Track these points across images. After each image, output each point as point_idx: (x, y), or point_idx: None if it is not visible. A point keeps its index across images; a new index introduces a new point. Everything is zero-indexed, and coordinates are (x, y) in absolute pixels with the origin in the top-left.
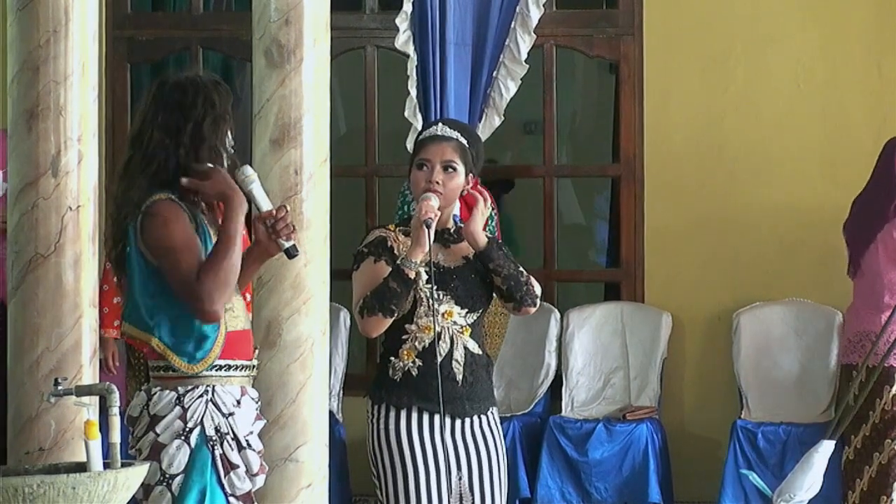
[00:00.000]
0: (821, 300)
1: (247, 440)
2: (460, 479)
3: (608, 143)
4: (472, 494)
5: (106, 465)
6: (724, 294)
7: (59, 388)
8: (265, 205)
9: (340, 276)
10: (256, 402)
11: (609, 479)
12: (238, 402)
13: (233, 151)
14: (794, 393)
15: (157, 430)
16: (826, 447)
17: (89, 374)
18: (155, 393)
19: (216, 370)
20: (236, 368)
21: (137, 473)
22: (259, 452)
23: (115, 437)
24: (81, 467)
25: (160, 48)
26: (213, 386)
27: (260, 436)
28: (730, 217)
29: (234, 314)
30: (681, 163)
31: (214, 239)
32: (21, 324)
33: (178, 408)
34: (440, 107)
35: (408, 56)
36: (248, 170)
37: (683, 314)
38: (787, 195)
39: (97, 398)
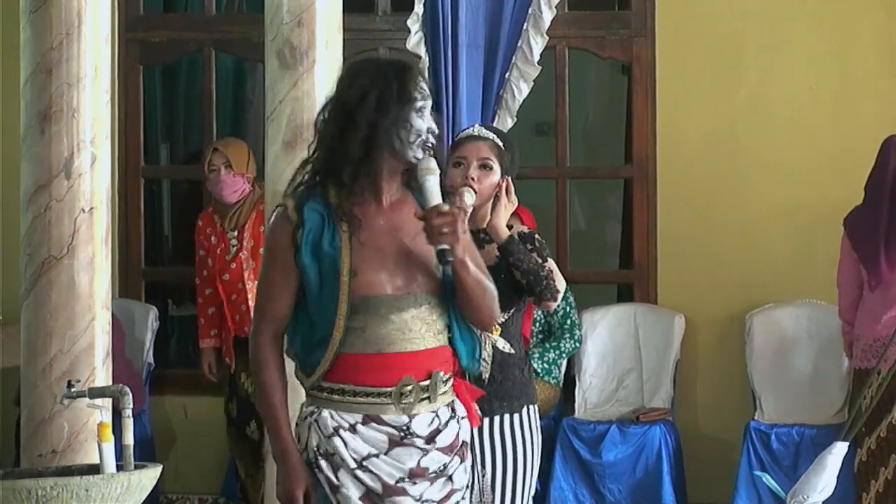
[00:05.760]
0: (833, 301)
1: (362, 464)
2: (483, 476)
3: (620, 144)
4: (493, 493)
5: (119, 468)
6: (736, 295)
7: (73, 390)
8: (432, 200)
9: None
10: (402, 433)
11: (622, 480)
12: (352, 427)
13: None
14: (807, 394)
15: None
16: (839, 449)
17: (102, 376)
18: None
19: (326, 393)
20: (353, 394)
21: (150, 476)
22: (394, 487)
23: (129, 439)
24: (94, 469)
25: (172, 50)
26: (321, 408)
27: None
28: (742, 218)
29: (365, 335)
30: (693, 164)
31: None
32: (34, 326)
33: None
34: (452, 108)
35: (420, 58)
36: (431, 161)
37: (696, 316)
38: (799, 196)
39: (110, 400)
